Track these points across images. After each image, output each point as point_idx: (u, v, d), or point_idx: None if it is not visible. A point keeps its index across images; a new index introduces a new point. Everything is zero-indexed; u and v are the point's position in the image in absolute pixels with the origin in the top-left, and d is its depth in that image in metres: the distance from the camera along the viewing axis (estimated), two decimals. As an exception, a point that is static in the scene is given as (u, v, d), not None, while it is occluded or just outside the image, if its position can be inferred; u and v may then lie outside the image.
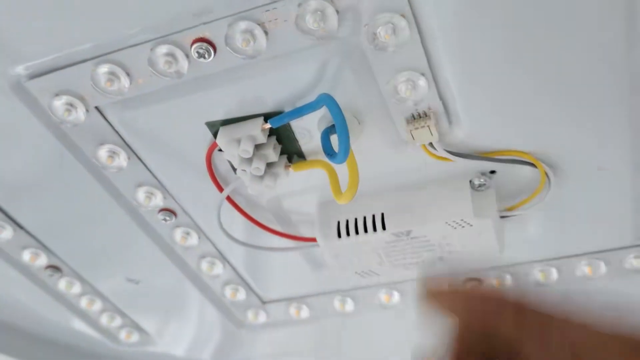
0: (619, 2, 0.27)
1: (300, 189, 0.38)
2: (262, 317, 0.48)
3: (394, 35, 0.29)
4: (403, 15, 0.28)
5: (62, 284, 0.46)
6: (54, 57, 0.31)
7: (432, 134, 0.32)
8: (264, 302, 0.47)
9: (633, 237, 0.39)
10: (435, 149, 0.33)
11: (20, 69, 0.32)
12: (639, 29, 0.28)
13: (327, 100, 0.29)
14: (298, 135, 0.34)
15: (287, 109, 0.33)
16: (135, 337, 0.52)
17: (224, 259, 0.43)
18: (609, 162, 0.35)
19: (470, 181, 0.35)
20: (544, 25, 0.28)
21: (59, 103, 0.33)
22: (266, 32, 0.29)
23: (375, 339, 0.50)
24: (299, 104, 0.32)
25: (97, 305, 0.48)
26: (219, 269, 0.44)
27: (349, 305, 0.46)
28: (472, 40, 0.29)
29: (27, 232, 0.42)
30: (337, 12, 0.28)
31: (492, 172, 0.36)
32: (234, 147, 0.33)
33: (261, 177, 0.34)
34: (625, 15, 0.28)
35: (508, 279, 0.43)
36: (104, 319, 0.50)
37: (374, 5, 0.28)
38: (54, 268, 0.45)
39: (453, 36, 0.29)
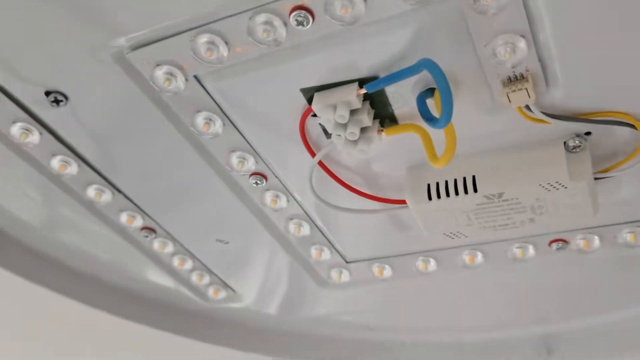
0: None
1: (390, 153, 0.38)
2: (346, 276, 0.49)
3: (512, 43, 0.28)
4: None
5: (156, 244, 0.49)
6: (154, 28, 0.32)
7: (529, 96, 0.32)
8: (347, 262, 0.49)
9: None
10: (531, 111, 0.33)
11: (122, 41, 0.33)
12: None
13: (429, 64, 0.29)
14: (392, 100, 0.34)
15: (381, 75, 0.33)
16: (222, 294, 0.54)
17: (311, 220, 0.45)
18: None
19: (565, 143, 0.35)
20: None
21: (160, 73, 0.34)
22: (364, -1, 0.29)
23: (455, 299, 0.51)
24: (394, 69, 0.32)
25: (188, 264, 0.51)
26: (306, 230, 0.45)
27: (432, 266, 0.47)
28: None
29: (125, 196, 0.44)
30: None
31: (588, 133, 0.35)
32: (330, 112, 0.33)
33: (355, 142, 0.35)
34: None
35: (596, 241, 0.42)
36: (194, 277, 0.52)
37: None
38: (149, 229, 0.47)
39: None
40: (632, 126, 0.33)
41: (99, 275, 0.53)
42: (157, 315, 0.56)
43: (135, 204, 0.45)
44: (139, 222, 0.46)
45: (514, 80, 0.32)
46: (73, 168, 0.41)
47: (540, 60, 0.31)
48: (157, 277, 0.53)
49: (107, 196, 0.44)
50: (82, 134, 0.40)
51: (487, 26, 0.30)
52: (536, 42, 0.30)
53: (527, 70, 0.31)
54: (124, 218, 0.46)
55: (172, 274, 0.52)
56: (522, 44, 0.30)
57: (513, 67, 0.31)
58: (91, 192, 0.43)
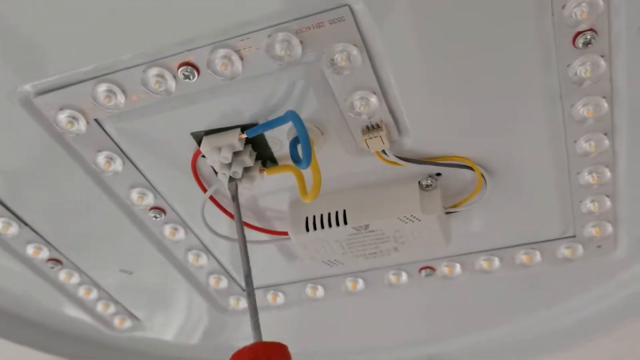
0: (529, 28, 0.33)
1: (274, 190, 0.44)
2: (243, 303, 0.54)
3: (349, 61, 0.34)
4: (355, 45, 0.34)
5: (62, 275, 0.51)
6: (59, 76, 0.36)
7: (384, 143, 0.38)
8: (244, 290, 0.53)
9: (562, 230, 0.45)
10: (387, 155, 0.39)
11: (29, 87, 0.37)
12: (551, 51, 0.34)
13: (292, 116, 0.35)
14: (270, 144, 0.40)
15: (260, 122, 0.38)
16: (127, 324, 0.57)
17: (208, 251, 0.49)
18: (533, 164, 0.41)
19: (419, 182, 0.41)
20: (471, 52, 0.34)
21: (63, 116, 0.38)
22: (242, 58, 0.35)
23: (342, 323, 0.56)
24: (271, 117, 0.38)
25: (94, 294, 0.53)
26: (203, 260, 0.49)
27: (320, 292, 0.52)
28: (414, 63, 0.35)
29: (31, 229, 0.47)
30: (301, 42, 0.34)
31: (438, 174, 0.41)
32: (216, 154, 0.38)
33: (239, 180, 0.40)
34: (537, 37, 0.34)
35: (458, 267, 0.49)
36: (99, 307, 0.55)
37: (331, 37, 0.33)
38: (55, 261, 0.50)
39: (398, 60, 0.35)
40: (471, 168, 0.40)
41: (5, 306, 0.55)
42: (64, 345, 0.58)
43: (41, 236, 0.48)
44: (45, 253, 0.49)
45: (371, 128, 0.38)
46: (-20, 202, 0.44)
47: (391, 112, 0.37)
48: (64, 308, 0.55)
49: (13, 229, 0.46)
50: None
51: (344, 84, 0.36)
52: (386, 98, 0.36)
53: (381, 121, 0.37)
54: (30, 250, 0.49)
55: (78, 304, 0.54)
56: (374, 99, 0.36)
57: (369, 117, 0.37)
58: (-2, 225, 0.46)
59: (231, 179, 0.39)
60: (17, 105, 0.37)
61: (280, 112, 0.37)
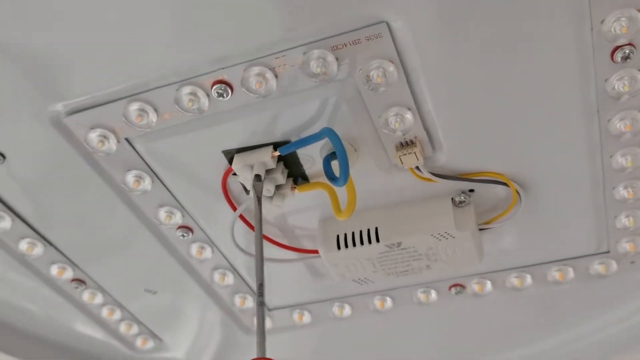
0: (568, 43, 0.33)
1: (304, 207, 0.43)
2: (268, 323, 0.53)
3: (385, 77, 0.34)
4: (392, 61, 0.33)
5: (85, 296, 0.51)
6: (90, 96, 0.36)
7: (417, 159, 0.37)
8: (269, 309, 0.52)
9: (596, 246, 0.45)
10: (421, 171, 0.38)
11: (60, 107, 0.37)
12: (589, 66, 0.34)
13: (329, 133, 0.34)
14: (302, 161, 0.39)
15: (293, 139, 0.38)
16: (150, 344, 0.56)
17: (234, 270, 0.48)
18: (568, 180, 0.40)
19: (452, 198, 0.41)
20: (510, 64, 0.34)
21: (94, 135, 0.38)
22: (276, 75, 0.34)
23: (369, 343, 0.55)
24: (304, 134, 0.37)
25: (117, 314, 0.53)
26: (230, 279, 0.49)
27: (347, 311, 0.51)
28: (449, 79, 0.35)
29: (56, 249, 0.47)
30: (337, 59, 0.33)
31: (471, 190, 0.41)
32: (248, 172, 0.38)
33: (271, 198, 0.39)
34: (575, 51, 0.33)
35: (488, 285, 0.48)
36: (122, 327, 0.54)
37: (368, 53, 0.33)
38: (79, 281, 0.50)
39: (434, 76, 0.34)
40: (505, 184, 0.39)
41: (28, 327, 0.54)
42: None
43: (66, 256, 0.47)
44: (69, 274, 0.49)
45: (405, 145, 0.37)
46: (6, 223, 0.44)
47: (425, 128, 0.37)
48: (86, 329, 0.55)
49: (38, 249, 0.46)
50: (17, 191, 0.42)
51: (379, 101, 0.35)
52: (421, 114, 0.36)
53: (415, 137, 0.37)
54: (54, 270, 0.48)
55: (101, 325, 0.54)
56: (409, 115, 0.36)
57: (403, 134, 0.37)
58: (23, 245, 0.46)
59: (257, 177, 0.38)
60: (47, 124, 0.37)
61: (313, 129, 0.37)
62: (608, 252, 0.45)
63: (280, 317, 0.53)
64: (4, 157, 0.40)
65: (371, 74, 0.34)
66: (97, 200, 0.42)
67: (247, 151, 0.38)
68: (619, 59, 0.33)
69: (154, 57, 0.34)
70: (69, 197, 0.43)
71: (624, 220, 0.42)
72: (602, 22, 0.32)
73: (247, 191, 0.41)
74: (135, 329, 0.55)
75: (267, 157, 0.37)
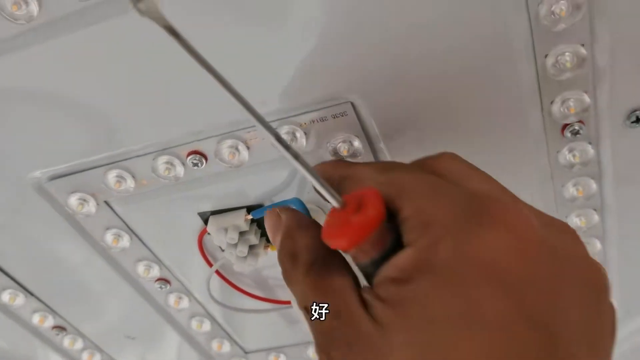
0: (521, 122, 0.35)
1: (277, 262, 0.45)
2: (245, 366, 0.55)
3: (351, 150, 0.36)
4: (357, 135, 0.35)
5: (66, 341, 0.52)
6: (71, 164, 0.38)
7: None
8: (246, 352, 0.54)
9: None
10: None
11: (40, 173, 0.38)
12: (542, 140, 0.36)
13: (297, 203, 0.36)
14: (274, 222, 0.41)
15: (266, 203, 0.40)
16: (130, 387, 0.58)
17: (211, 317, 0.50)
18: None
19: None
20: (468, 142, 0.36)
21: (74, 199, 0.39)
22: (248, 147, 0.36)
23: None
24: (276, 199, 0.39)
25: (96, 357, 0.54)
26: (207, 326, 0.50)
27: (321, 354, 0.53)
28: (410, 151, 0.37)
29: (37, 298, 0.48)
30: (305, 134, 0.35)
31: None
32: (222, 234, 0.40)
33: (245, 258, 0.41)
34: (528, 129, 0.36)
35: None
36: (103, 371, 0.56)
37: (334, 129, 0.35)
38: (60, 328, 0.51)
39: (396, 149, 0.37)
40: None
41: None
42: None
43: (47, 305, 0.49)
44: (50, 321, 0.50)
45: (372, 208, 0.39)
46: (-11, 276, 0.45)
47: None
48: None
49: (20, 299, 0.47)
50: (3, 251, 0.44)
51: (346, 170, 0.37)
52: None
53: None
54: (36, 319, 0.49)
55: (82, 368, 0.55)
56: (374, 183, 0.38)
57: (370, 199, 0.39)
58: (5, 296, 0.47)
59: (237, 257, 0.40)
60: (29, 188, 0.39)
61: (285, 194, 0.39)
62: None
63: (257, 360, 0.54)
64: (-14, 217, 0.41)
65: (338, 146, 0.36)
66: (78, 257, 0.44)
67: (221, 214, 0.40)
68: (569, 135, 0.36)
69: (134, 129, 0.36)
70: (50, 252, 0.44)
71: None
72: (552, 103, 0.34)
73: (222, 250, 0.43)
74: (115, 372, 0.56)
75: (241, 220, 0.39)
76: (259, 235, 0.41)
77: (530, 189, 0.39)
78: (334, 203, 0.24)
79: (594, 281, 0.23)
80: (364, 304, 0.24)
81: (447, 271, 0.22)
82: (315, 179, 0.24)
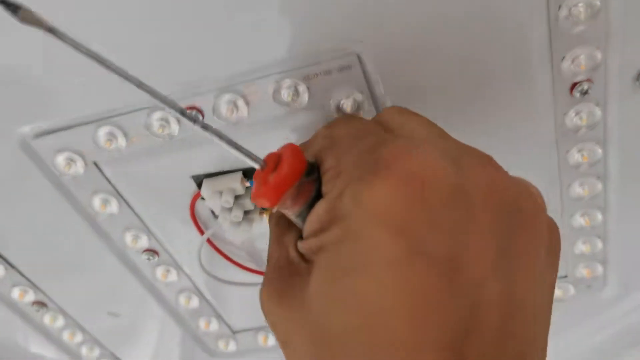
0: (528, 79, 0.34)
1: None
2: (232, 346, 0.53)
3: (354, 107, 0.35)
4: (361, 92, 0.34)
5: (46, 318, 0.50)
6: (59, 119, 0.36)
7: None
8: (234, 332, 0.52)
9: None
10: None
11: (27, 129, 0.36)
12: (549, 101, 0.35)
13: None
14: (271, 187, 0.40)
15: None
16: (111, 368, 0.55)
17: (200, 293, 0.48)
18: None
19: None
20: (472, 104, 0.35)
21: (61, 159, 0.37)
22: (247, 103, 0.35)
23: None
24: (273, 161, 0.38)
25: (78, 337, 0.52)
26: (195, 302, 0.48)
27: (312, 334, 0.52)
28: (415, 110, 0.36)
29: (18, 271, 0.46)
30: (308, 89, 0.34)
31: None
32: (216, 198, 0.38)
33: (239, 223, 0.39)
34: (535, 88, 0.35)
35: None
36: (83, 350, 0.53)
37: (339, 84, 0.34)
38: (40, 304, 0.49)
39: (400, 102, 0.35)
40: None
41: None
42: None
43: (27, 279, 0.47)
44: (30, 296, 0.48)
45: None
46: (-34, 244, 0.43)
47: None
48: (46, 352, 0.54)
49: (-1, 271, 0.45)
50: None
51: (348, 129, 0.36)
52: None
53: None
54: (15, 293, 0.47)
55: (61, 348, 0.53)
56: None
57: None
58: (-17, 268, 0.45)
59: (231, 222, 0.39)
60: (15, 146, 0.37)
61: (283, 156, 0.38)
62: (566, 276, 0.47)
63: (245, 340, 0.52)
64: (-36, 179, 0.39)
65: (342, 103, 0.34)
66: (62, 223, 0.42)
67: (216, 176, 0.39)
68: (577, 95, 0.35)
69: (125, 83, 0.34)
70: (33, 219, 0.42)
71: (581, 247, 0.44)
72: (563, 59, 0.33)
73: (215, 215, 0.41)
74: (96, 352, 0.54)
75: (237, 183, 0.38)
76: (254, 200, 0.39)
77: (533, 154, 0.38)
78: (255, 165, 0.26)
79: (512, 205, 0.24)
80: (301, 256, 0.26)
81: (349, 220, 0.23)
82: (231, 145, 0.26)
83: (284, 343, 0.26)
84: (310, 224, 0.25)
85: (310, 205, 0.25)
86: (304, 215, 0.26)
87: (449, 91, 0.35)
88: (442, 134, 0.28)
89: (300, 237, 0.27)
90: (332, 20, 0.32)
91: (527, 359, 0.24)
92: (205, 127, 0.26)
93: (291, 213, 0.26)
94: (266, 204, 0.26)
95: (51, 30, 0.23)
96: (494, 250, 0.23)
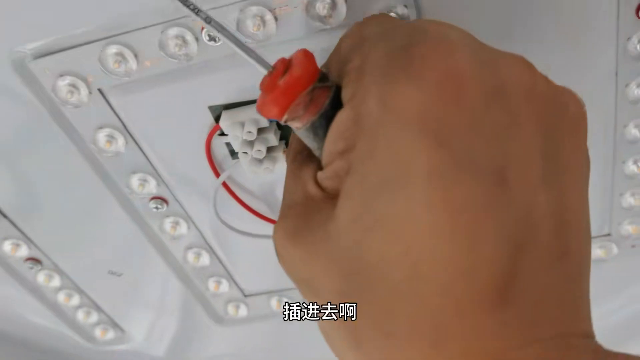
0: None
1: (292, 177, 0.39)
2: (243, 311, 0.49)
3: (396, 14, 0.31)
4: (406, 6, 0.30)
5: (40, 277, 0.46)
6: (61, 37, 0.32)
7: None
8: (245, 295, 0.48)
9: (597, 229, 0.43)
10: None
11: (25, 48, 0.32)
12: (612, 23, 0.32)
13: None
14: (298, 121, 0.36)
15: (291, 95, 0.34)
16: (110, 335, 0.51)
17: (211, 250, 0.44)
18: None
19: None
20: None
21: (63, 84, 0.33)
22: (276, 18, 0.31)
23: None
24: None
25: (75, 300, 0.48)
26: (205, 260, 0.44)
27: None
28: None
29: (10, 221, 0.42)
30: (345, 1, 0.30)
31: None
32: (238, 130, 0.34)
33: (261, 161, 0.35)
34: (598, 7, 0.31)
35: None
36: (80, 315, 0.49)
37: (381, -4, 0.30)
38: (35, 260, 0.44)
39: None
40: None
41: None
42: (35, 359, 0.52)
43: (21, 231, 0.42)
44: (24, 251, 0.43)
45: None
46: (-47, 188, 0.39)
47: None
48: (38, 316, 0.49)
49: (-12, 223, 0.41)
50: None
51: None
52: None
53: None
54: (7, 247, 0.43)
55: (56, 312, 0.48)
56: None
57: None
58: (-29, 216, 0.40)
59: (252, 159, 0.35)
60: (9, 68, 0.33)
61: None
62: (609, 234, 0.43)
63: (257, 304, 0.48)
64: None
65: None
66: (60, 163, 0.38)
67: (237, 107, 0.35)
68: (646, 16, 0.31)
69: (138, -7, 0.30)
70: (27, 157, 0.38)
71: (629, 199, 0.40)
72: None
73: (233, 155, 0.37)
74: (94, 317, 0.49)
75: (261, 113, 0.34)
76: (278, 136, 0.35)
77: (589, 84, 0.34)
78: (261, 69, 0.24)
79: (555, 108, 0.22)
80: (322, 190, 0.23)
81: (376, 129, 0.20)
82: (236, 44, 0.24)
83: (305, 282, 0.23)
84: (331, 142, 0.22)
85: (326, 117, 0.23)
86: (318, 130, 0.23)
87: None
88: (478, 41, 0.24)
89: (320, 169, 0.24)
90: None
91: (581, 280, 0.22)
92: (209, 20, 0.24)
93: (303, 125, 0.23)
94: (274, 111, 0.23)
95: None
96: (541, 157, 0.21)
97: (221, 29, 0.24)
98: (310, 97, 0.23)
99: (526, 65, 0.22)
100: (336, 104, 0.23)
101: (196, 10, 0.24)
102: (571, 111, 0.22)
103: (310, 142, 0.24)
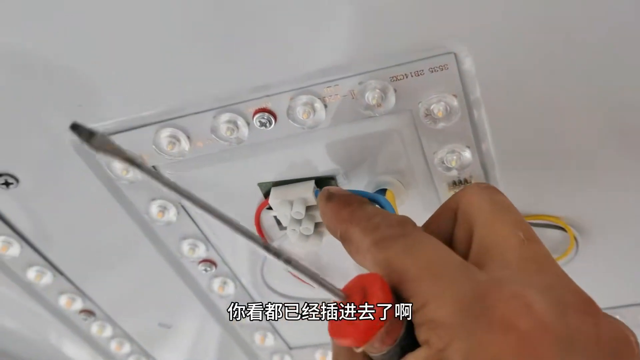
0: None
1: (339, 245, 0.40)
2: (287, 362, 0.49)
3: (447, 112, 0.31)
4: (455, 95, 0.30)
5: (94, 328, 0.47)
6: (118, 120, 0.33)
7: (473, 200, 0.34)
8: (291, 348, 0.49)
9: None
10: (474, 213, 0.35)
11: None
12: None
13: (384, 202, 0.31)
14: (344, 197, 0.36)
15: (338, 177, 0.35)
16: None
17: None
18: (629, 222, 0.37)
19: (504, 242, 0.37)
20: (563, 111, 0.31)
21: (118, 163, 0.34)
22: (326, 105, 0.31)
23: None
24: (351, 174, 0.34)
25: (126, 348, 0.49)
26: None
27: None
28: (512, 115, 0.32)
29: (67, 278, 0.43)
30: (395, 90, 0.30)
31: (524, 233, 0.38)
32: (286, 208, 0.35)
33: (308, 237, 0.36)
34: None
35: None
36: (130, 363, 0.51)
37: (430, 86, 0.30)
38: (88, 312, 0.46)
39: (496, 111, 0.31)
40: (563, 229, 0.36)
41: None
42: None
43: (76, 286, 0.44)
44: (78, 304, 0.45)
45: (458, 184, 0.34)
46: (15, 249, 0.40)
47: (482, 167, 0.34)
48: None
49: (47, 278, 0.43)
50: (29, 216, 0.39)
51: (436, 136, 0.32)
52: (479, 151, 0.33)
53: (470, 177, 0.34)
54: (63, 300, 0.45)
55: (108, 358, 0.50)
56: (467, 153, 0.33)
57: (458, 172, 0.34)
58: (32, 273, 0.42)
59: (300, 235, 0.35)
60: (69, 148, 0.34)
61: (361, 168, 0.34)
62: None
63: (302, 357, 0.49)
64: (17, 180, 0.36)
65: (432, 107, 0.31)
66: (117, 230, 0.39)
67: (285, 185, 0.35)
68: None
69: (191, 81, 0.31)
70: (86, 225, 0.39)
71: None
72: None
73: (280, 226, 0.38)
74: (144, 364, 0.51)
75: (309, 193, 0.34)
76: (326, 211, 0.36)
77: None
78: (337, 299, 0.23)
79: (611, 354, 0.22)
80: None
81: None
82: (315, 279, 0.23)
83: None
84: None
85: (401, 346, 0.23)
86: (393, 357, 0.23)
87: (547, 111, 0.31)
88: (534, 240, 0.25)
89: None
90: (430, 13, 0.28)
91: None
92: (289, 261, 0.23)
93: (377, 353, 0.24)
94: (352, 345, 0.23)
95: (130, 160, 0.21)
96: None
97: (297, 263, 0.24)
98: (387, 329, 0.23)
99: (590, 305, 0.23)
100: (410, 330, 0.23)
101: (279, 256, 0.24)
102: (625, 355, 0.23)
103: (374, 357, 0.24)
